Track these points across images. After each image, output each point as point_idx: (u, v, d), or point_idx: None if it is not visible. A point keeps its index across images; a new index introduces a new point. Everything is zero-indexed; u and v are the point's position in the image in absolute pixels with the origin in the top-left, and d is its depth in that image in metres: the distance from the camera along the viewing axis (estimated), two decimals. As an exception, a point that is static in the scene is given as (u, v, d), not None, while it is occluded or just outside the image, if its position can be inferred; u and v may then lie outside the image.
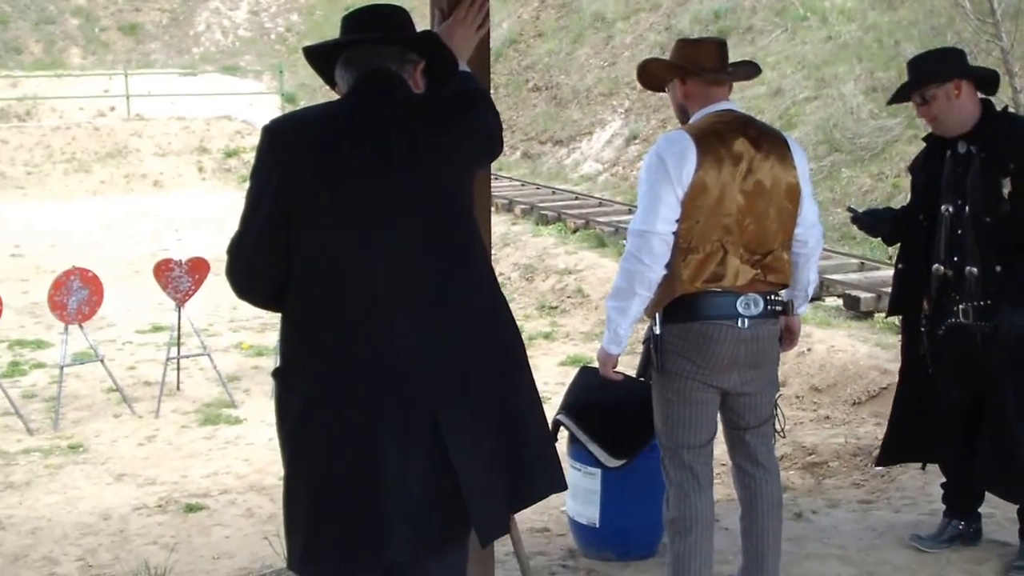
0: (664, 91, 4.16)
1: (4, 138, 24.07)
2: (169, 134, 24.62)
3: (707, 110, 3.94)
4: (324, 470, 2.84)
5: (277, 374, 2.94)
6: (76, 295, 9.34)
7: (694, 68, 3.96)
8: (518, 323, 10.45)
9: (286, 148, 2.84)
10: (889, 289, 10.63)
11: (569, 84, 24.73)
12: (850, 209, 5.03)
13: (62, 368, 9.52)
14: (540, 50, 26.74)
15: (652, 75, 4.14)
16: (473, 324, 2.93)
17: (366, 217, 2.82)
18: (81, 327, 9.53)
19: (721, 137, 3.82)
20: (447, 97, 3.05)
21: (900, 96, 4.74)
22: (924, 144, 4.79)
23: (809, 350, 9.36)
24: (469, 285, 2.95)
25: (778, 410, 4.18)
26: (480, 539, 2.92)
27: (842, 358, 9.05)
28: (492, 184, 15.37)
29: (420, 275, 2.85)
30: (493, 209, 18.32)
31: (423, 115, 2.94)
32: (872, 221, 4.89)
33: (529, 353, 10.50)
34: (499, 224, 16.66)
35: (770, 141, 3.89)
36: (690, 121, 3.97)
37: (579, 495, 4.90)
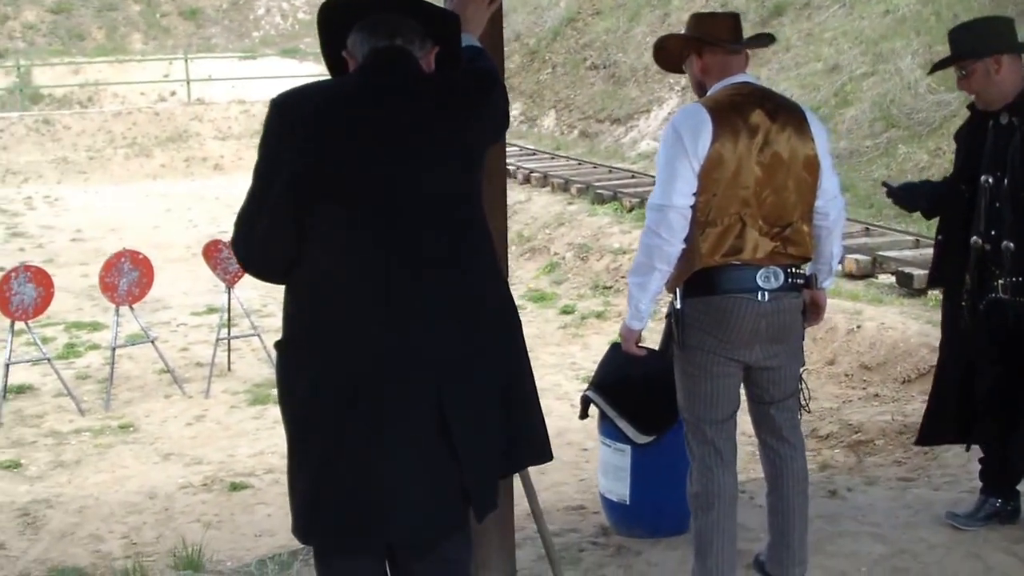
0: (679, 71, 4.14)
1: (67, 124, 24.42)
2: (229, 118, 24.84)
3: (724, 83, 3.91)
4: (329, 446, 2.85)
5: (280, 346, 2.94)
6: (126, 277, 9.48)
7: (711, 39, 3.93)
8: (571, 302, 10.44)
9: (295, 122, 2.82)
10: (944, 266, 10.51)
11: (627, 62, 24.54)
12: (885, 184, 4.92)
13: (113, 349, 9.67)
14: (597, 28, 26.56)
15: (668, 53, 4.11)
16: (477, 300, 2.92)
17: (374, 193, 2.81)
18: (131, 308, 9.67)
19: (737, 109, 3.79)
20: (459, 76, 3.03)
21: (939, 67, 4.66)
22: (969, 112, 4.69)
23: (859, 327, 9.24)
24: (475, 264, 2.95)
25: (803, 384, 4.13)
26: (477, 516, 2.95)
27: (892, 336, 8.92)
28: (549, 163, 15.49)
29: (427, 251, 2.84)
30: (549, 189, 18.25)
31: (434, 94, 2.92)
32: (909, 195, 4.79)
33: (581, 332, 10.55)
34: (554, 204, 16.64)
35: (787, 113, 3.85)
36: (707, 94, 3.93)
37: (609, 472, 4.88)
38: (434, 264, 2.84)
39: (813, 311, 4.10)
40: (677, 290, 3.87)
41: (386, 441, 2.80)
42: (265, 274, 2.99)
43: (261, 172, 2.86)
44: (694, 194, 3.73)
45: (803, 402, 4.14)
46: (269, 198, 2.82)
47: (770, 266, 3.78)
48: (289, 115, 2.84)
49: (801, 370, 4.08)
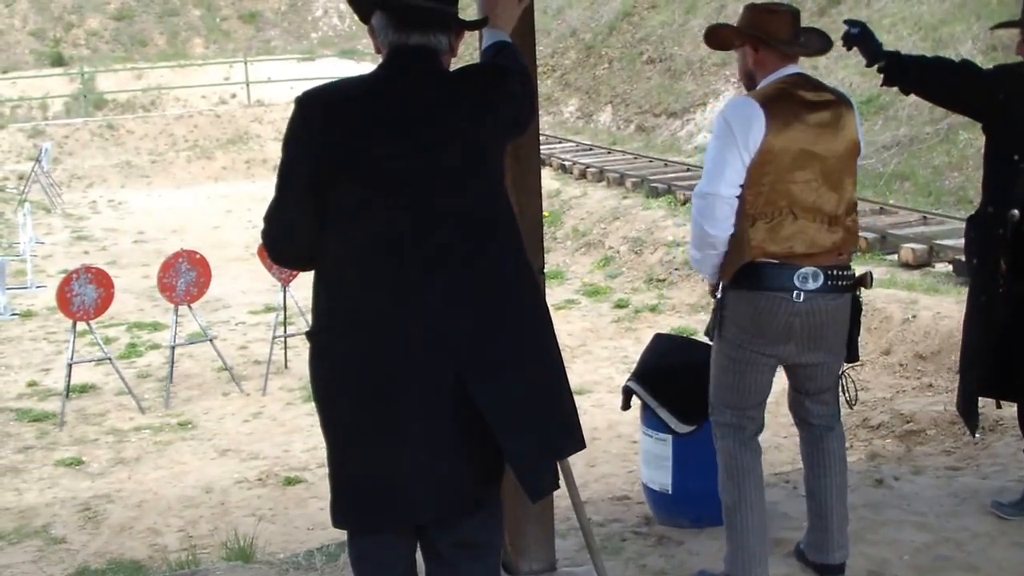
0: (728, 50, 4.09)
1: (130, 128, 24.85)
2: (288, 119, 25.03)
3: (775, 75, 3.87)
4: (351, 430, 2.93)
5: (310, 336, 3.02)
6: (184, 277, 9.64)
7: (770, 40, 3.86)
8: (625, 296, 10.40)
9: (319, 121, 2.89)
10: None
11: (683, 55, 24.45)
12: (847, 23, 4.46)
13: (172, 348, 9.84)
14: (653, 22, 26.49)
15: (721, 38, 4.08)
16: (499, 289, 2.96)
17: (391, 187, 2.87)
18: (190, 308, 9.84)
19: (789, 102, 3.77)
20: (476, 73, 3.10)
21: (1005, 25, 4.61)
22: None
23: (914, 317, 9.16)
24: (496, 252, 2.99)
25: (843, 380, 4.13)
26: (529, 495, 2.97)
27: (948, 325, 8.81)
28: (605, 158, 15.51)
29: (448, 243, 2.90)
30: (605, 183, 18.17)
31: (453, 92, 2.98)
32: (873, 42, 4.43)
33: (634, 326, 10.52)
34: (610, 198, 16.63)
35: (837, 104, 3.84)
36: (758, 87, 3.92)
37: (651, 461, 4.90)
38: (451, 255, 2.89)
39: None
40: (723, 282, 3.92)
41: (403, 425, 2.86)
42: (292, 263, 3.19)
43: (286, 169, 2.95)
44: (741, 185, 3.73)
45: (847, 397, 4.15)
46: (292, 192, 2.91)
47: (809, 267, 3.77)
48: (310, 112, 2.91)
49: (846, 367, 4.08)
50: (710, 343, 4.17)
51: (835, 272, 3.82)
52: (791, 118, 3.73)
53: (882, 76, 4.44)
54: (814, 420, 4.07)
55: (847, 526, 4.16)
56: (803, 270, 3.77)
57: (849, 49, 4.41)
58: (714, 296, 4.02)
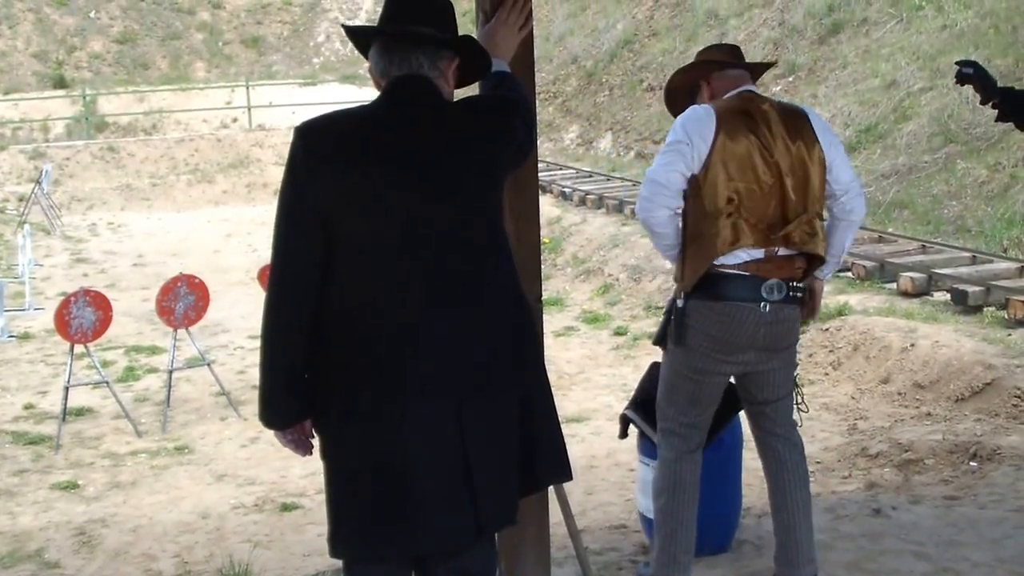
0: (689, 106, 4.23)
1: (131, 151, 24.90)
2: (289, 143, 25.09)
3: (730, 93, 4.07)
4: (357, 462, 2.92)
5: (314, 370, 3.00)
6: (183, 301, 9.64)
7: (715, 61, 4.16)
8: (624, 324, 10.37)
9: (321, 151, 2.89)
10: (1000, 282, 10.25)
11: (683, 83, 24.50)
12: (958, 63, 4.51)
13: (170, 372, 9.82)
14: (654, 49, 26.58)
15: (679, 92, 4.27)
16: (496, 321, 2.98)
17: (395, 220, 2.86)
18: (188, 332, 9.83)
19: (741, 111, 3.95)
20: (481, 105, 3.10)
21: None
22: None
23: (913, 346, 9.14)
24: (495, 285, 3.00)
25: (798, 387, 4.32)
26: (488, 530, 3.02)
27: (946, 354, 8.81)
28: (604, 185, 15.53)
29: (447, 277, 2.91)
30: (604, 210, 18.11)
31: (455, 123, 2.98)
32: (986, 80, 4.46)
33: (633, 353, 10.47)
34: (609, 225, 16.63)
35: (789, 114, 4.01)
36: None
37: (647, 490, 4.86)
38: (454, 289, 2.91)
39: (810, 301, 4.18)
40: (684, 290, 4.02)
41: (410, 456, 2.87)
42: (302, 302, 2.92)
43: (288, 201, 2.92)
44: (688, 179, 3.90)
45: (798, 401, 4.31)
46: (297, 226, 2.89)
47: (774, 279, 3.92)
48: (313, 144, 2.91)
49: (798, 372, 4.21)
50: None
51: (793, 284, 3.99)
52: (742, 126, 3.91)
53: (996, 112, 4.48)
54: (777, 430, 4.18)
55: (813, 539, 4.22)
56: (769, 282, 3.92)
57: (962, 85, 4.49)
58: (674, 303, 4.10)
